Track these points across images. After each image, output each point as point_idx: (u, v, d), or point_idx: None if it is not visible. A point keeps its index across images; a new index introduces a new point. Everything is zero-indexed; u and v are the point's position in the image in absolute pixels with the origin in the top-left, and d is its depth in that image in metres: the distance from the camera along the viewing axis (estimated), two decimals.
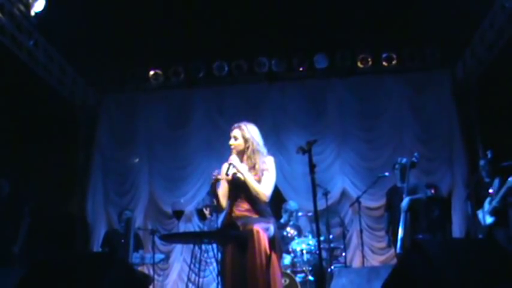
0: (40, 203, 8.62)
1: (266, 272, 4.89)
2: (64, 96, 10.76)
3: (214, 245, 6.66)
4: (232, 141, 5.31)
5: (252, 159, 5.26)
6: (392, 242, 8.46)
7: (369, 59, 11.03)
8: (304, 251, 8.89)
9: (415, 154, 8.25)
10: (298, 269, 8.79)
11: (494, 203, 7.99)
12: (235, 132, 5.35)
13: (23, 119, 9.34)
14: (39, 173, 9.41)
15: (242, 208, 5.16)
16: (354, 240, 10.63)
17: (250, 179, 5.11)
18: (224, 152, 5.66)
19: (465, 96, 11.06)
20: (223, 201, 5.26)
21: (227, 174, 5.19)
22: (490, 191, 8.14)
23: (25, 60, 9.31)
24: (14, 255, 7.89)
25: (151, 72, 11.29)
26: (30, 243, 8.09)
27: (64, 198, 10.78)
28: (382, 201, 9.27)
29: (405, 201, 8.01)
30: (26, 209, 8.10)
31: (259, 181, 5.15)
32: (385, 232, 8.85)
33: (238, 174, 5.17)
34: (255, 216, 5.13)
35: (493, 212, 8.02)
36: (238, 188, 5.19)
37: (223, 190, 5.25)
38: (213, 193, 5.27)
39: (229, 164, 5.19)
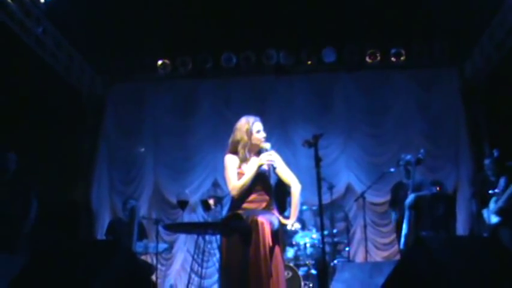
0: (45, 190, 8.62)
1: (269, 263, 4.91)
2: (71, 84, 10.77)
3: (218, 236, 6.66)
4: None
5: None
6: (396, 238, 8.47)
7: (378, 54, 11.00)
8: (308, 245, 8.92)
9: (421, 150, 8.21)
10: (301, 262, 8.81)
11: (500, 202, 7.97)
12: (260, 124, 5.37)
13: (30, 106, 9.35)
14: (45, 160, 9.42)
15: (250, 199, 5.16)
16: (358, 235, 10.63)
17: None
18: None
19: (473, 94, 11.03)
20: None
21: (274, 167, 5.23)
22: (496, 190, 8.12)
23: (33, 47, 9.32)
24: (23, 237, 7.88)
25: (159, 62, 11.29)
26: (34, 230, 8.09)
27: (69, 186, 10.80)
28: (387, 197, 9.27)
29: (410, 198, 8.00)
30: (33, 193, 8.09)
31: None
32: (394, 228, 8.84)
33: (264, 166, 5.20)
34: (261, 208, 5.14)
35: (498, 212, 8.00)
36: (255, 180, 5.19)
37: (234, 178, 5.22)
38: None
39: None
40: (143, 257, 9.26)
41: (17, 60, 9.03)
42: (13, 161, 8.07)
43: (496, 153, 8.30)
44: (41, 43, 9.50)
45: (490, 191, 8.21)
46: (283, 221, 5.26)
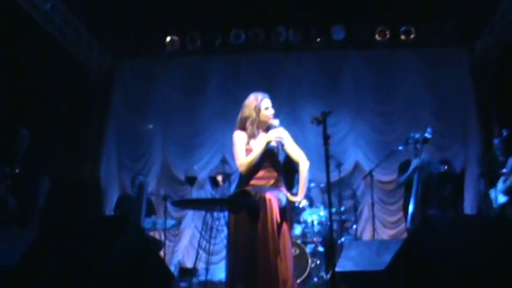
0: (54, 167, 8.65)
1: (277, 240, 4.93)
2: (80, 61, 10.75)
3: (226, 213, 6.69)
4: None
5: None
6: (403, 216, 8.48)
7: (387, 32, 10.92)
8: (315, 222, 8.95)
9: (428, 129, 8.11)
10: (309, 240, 8.85)
11: (508, 182, 7.96)
12: (269, 101, 5.38)
13: (38, 83, 9.35)
14: (53, 137, 9.44)
15: (258, 176, 5.18)
16: (365, 213, 10.66)
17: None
18: None
19: (482, 73, 10.96)
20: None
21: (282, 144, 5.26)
22: (504, 170, 8.10)
23: (42, 23, 9.30)
24: (35, 213, 7.92)
25: (168, 39, 11.25)
26: (45, 206, 8.14)
27: (78, 163, 10.83)
28: (395, 175, 9.28)
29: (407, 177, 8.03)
30: (43, 170, 8.14)
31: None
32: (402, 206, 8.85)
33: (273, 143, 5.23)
34: (269, 184, 5.16)
35: (506, 191, 8.00)
36: (263, 156, 5.21)
37: (242, 154, 5.24)
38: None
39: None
40: (151, 233, 9.32)
41: (25, 37, 9.01)
42: (26, 137, 8.12)
43: (505, 133, 8.28)
44: (49, 19, 9.47)
45: (499, 171, 8.20)
46: (291, 198, 5.28)
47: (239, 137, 5.28)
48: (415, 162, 8.03)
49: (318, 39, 11.07)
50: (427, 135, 7.99)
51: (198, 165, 10.80)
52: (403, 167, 8.48)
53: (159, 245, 8.94)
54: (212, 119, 11.24)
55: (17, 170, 7.85)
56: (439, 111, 10.92)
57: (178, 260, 10.62)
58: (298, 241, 8.59)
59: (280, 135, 5.16)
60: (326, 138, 5.11)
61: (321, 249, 8.72)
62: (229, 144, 5.64)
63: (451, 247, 4.00)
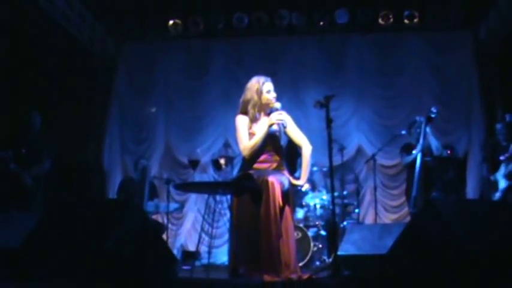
0: (57, 149, 8.67)
1: (279, 224, 4.95)
2: (83, 44, 10.72)
3: (229, 196, 6.70)
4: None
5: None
6: (405, 200, 8.48)
7: (391, 16, 10.86)
8: (318, 206, 8.98)
9: (432, 109, 8.01)
10: (311, 223, 8.88)
11: (510, 167, 7.96)
12: (271, 84, 5.38)
13: (41, 67, 9.34)
14: (56, 120, 9.45)
15: (260, 160, 5.19)
16: (368, 197, 10.66)
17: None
18: None
19: (487, 58, 10.90)
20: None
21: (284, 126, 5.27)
22: (507, 154, 8.09)
23: (45, 7, 9.26)
24: (38, 195, 7.96)
25: (171, 22, 11.21)
26: (48, 189, 8.17)
27: (81, 146, 10.84)
28: (398, 160, 9.28)
29: (414, 157, 7.99)
30: (46, 153, 8.16)
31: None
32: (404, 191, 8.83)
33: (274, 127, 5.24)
34: (272, 168, 5.17)
35: (509, 176, 7.99)
36: (266, 140, 5.22)
37: (246, 138, 5.25)
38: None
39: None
40: (154, 216, 9.35)
41: (28, 21, 8.99)
42: (37, 120, 8.14)
43: (508, 118, 8.26)
44: (52, 2, 9.43)
45: (501, 157, 8.19)
46: (294, 181, 5.30)
47: (241, 121, 5.29)
48: (420, 145, 8.00)
49: (321, 23, 11.01)
50: (430, 114, 7.89)
51: (201, 148, 10.79)
52: (405, 148, 8.47)
53: (161, 228, 8.97)
54: (215, 103, 11.22)
55: (23, 150, 7.90)
56: (442, 96, 10.87)
57: (181, 244, 10.67)
58: (301, 225, 8.61)
59: (281, 118, 5.16)
60: (329, 122, 5.12)
61: (323, 233, 8.74)
62: (232, 128, 5.65)
63: (454, 231, 4.01)
